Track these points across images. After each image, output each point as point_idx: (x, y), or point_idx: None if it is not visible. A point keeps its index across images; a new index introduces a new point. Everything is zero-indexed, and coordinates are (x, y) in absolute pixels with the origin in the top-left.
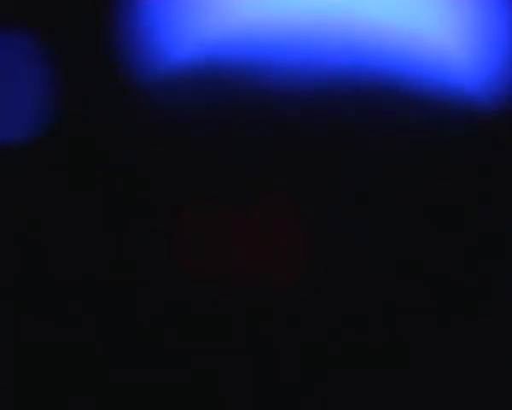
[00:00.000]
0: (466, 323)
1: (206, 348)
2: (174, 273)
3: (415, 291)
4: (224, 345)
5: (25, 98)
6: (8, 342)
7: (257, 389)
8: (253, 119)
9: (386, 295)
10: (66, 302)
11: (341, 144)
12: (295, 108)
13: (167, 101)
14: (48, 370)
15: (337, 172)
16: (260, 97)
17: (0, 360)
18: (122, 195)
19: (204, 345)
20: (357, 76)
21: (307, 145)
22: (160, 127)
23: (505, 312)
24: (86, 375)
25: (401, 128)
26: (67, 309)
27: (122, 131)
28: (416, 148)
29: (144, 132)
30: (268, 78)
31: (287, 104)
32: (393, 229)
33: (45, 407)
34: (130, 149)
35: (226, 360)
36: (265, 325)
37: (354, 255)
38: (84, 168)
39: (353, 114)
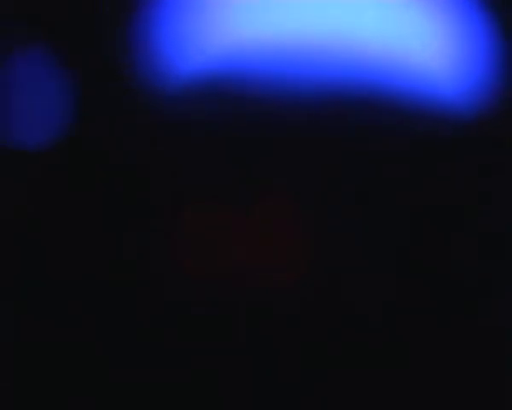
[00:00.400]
0: (466, 323)
1: (207, 348)
2: (174, 273)
3: (415, 291)
4: (224, 345)
5: (30, 102)
6: (8, 342)
7: (257, 389)
8: (253, 121)
9: (387, 295)
10: (66, 302)
11: (341, 145)
12: (295, 112)
13: (171, 106)
14: (48, 370)
15: (337, 172)
16: (261, 104)
17: (0, 360)
18: (122, 195)
19: (204, 345)
20: (350, 87)
21: (307, 146)
22: (160, 128)
23: (505, 312)
24: (86, 375)
25: (392, 131)
26: (67, 309)
27: (123, 131)
28: (401, 153)
29: (145, 133)
30: (268, 88)
31: (287, 109)
32: (393, 229)
33: (45, 407)
34: (131, 149)
35: (226, 360)
36: (265, 325)
37: (354, 255)
38: (84, 168)
39: (348, 120)
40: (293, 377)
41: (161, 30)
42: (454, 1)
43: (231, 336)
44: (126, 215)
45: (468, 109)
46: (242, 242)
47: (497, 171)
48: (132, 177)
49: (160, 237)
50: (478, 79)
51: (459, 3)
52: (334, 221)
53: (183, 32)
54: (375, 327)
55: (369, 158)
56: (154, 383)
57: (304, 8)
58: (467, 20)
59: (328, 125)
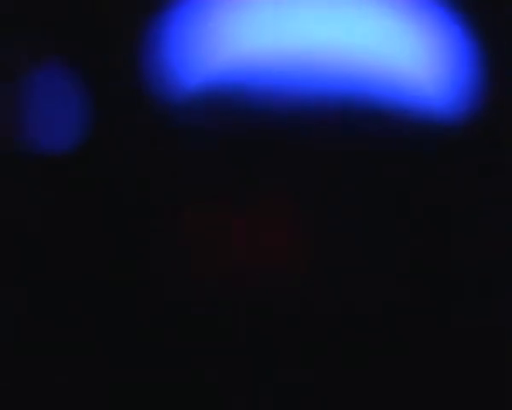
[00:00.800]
0: (466, 323)
1: (206, 348)
2: (174, 273)
3: (415, 291)
4: (223, 345)
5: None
6: (8, 342)
7: (257, 389)
8: (253, 124)
9: (387, 295)
10: (66, 302)
11: (341, 146)
12: (294, 118)
13: (173, 113)
14: (48, 369)
15: (337, 172)
16: (261, 110)
17: (0, 360)
18: (122, 195)
19: (204, 345)
20: (345, 95)
21: (307, 146)
22: (161, 130)
23: (505, 312)
24: (86, 375)
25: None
26: (67, 309)
27: (123, 132)
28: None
29: (145, 133)
30: (267, 97)
31: (286, 115)
32: (393, 229)
33: (45, 407)
34: (131, 149)
35: (226, 360)
36: (265, 325)
37: (354, 255)
38: (84, 168)
39: (344, 123)
40: (293, 377)
41: (167, 43)
42: (437, 13)
43: (231, 336)
44: (126, 215)
45: (455, 116)
46: (242, 242)
47: (485, 173)
48: (133, 177)
49: (160, 237)
50: (463, 88)
51: (442, 14)
52: (334, 221)
53: (187, 45)
54: (375, 327)
55: (367, 159)
56: (154, 383)
57: (302, 23)
58: (450, 29)
59: (326, 128)
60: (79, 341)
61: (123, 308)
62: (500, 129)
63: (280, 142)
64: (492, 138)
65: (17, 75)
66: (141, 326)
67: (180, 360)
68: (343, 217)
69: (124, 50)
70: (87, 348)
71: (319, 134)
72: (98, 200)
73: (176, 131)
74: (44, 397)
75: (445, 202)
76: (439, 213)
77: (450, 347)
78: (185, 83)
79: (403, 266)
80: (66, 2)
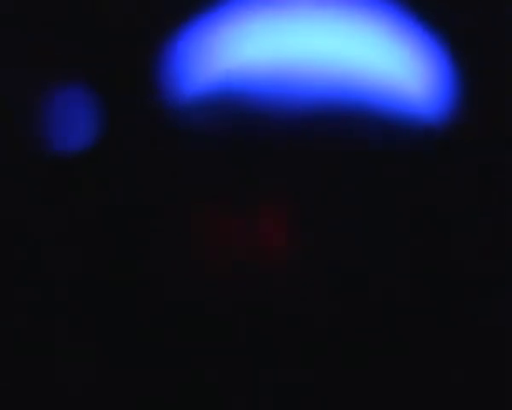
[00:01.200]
0: (466, 323)
1: (206, 348)
2: (174, 273)
3: (415, 291)
4: (223, 345)
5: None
6: (7, 342)
7: (257, 389)
8: (253, 126)
9: (387, 295)
10: (65, 302)
11: (340, 147)
12: (292, 122)
13: (174, 117)
14: (48, 370)
15: (337, 172)
16: (261, 115)
17: (0, 360)
18: (122, 195)
19: (204, 345)
20: (340, 102)
21: (307, 146)
22: (162, 131)
23: (505, 312)
24: (86, 375)
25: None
26: (67, 309)
27: (123, 132)
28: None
29: (145, 133)
30: (266, 104)
31: (285, 119)
32: (393, 229)
33: (45, 407)
34: (132, 151)
35: (226, 360)
36: (265, 325)
37: (354, 255)
38: (84, 168)
39: (340, 127)
40: (293, 377)
41: (170, 51)
42: (421, 28)
43: (231, 336)
44: (126, 215)
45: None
46: (242, 242)
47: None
48: (133, 178)
49: (160, 237)
50: (446, 98)
51: (425, 29)
52: (334, 221)
53: (190, 54)
54: (375, 327)
55: (367, 160)
56: (154, 383)
57: (300, 35)
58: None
59: (323, 131)
60: (79, 341)
61: (123, 308)
62: (495, 129)
63: (279, 142)
64: (488, 139)
65: (24, 79)
66: (140, 326)
67: (180, 360)
68: (343, 217)
69: (129, 56)
70: (87, 348)
71: (318, 135)
72: (98, 200)
73: (177, 133)
74: (44, 397)
75: (444, 202)
76: (439, 213)
77: (451, 347)
78: (187, 89)
79: (403, 266)
80: (77, 7)
